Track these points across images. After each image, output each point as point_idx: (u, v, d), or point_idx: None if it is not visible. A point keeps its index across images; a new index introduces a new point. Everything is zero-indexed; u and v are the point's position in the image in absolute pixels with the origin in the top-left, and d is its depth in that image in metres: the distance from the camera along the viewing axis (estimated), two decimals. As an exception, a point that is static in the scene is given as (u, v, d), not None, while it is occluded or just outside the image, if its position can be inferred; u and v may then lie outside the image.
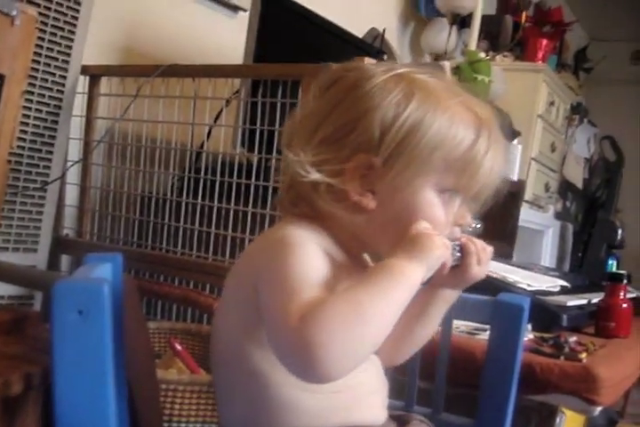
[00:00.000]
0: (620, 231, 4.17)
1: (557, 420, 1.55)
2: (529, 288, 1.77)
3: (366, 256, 0.96)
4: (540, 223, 3.67)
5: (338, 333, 0.70)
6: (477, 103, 0.90)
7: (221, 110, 1.85)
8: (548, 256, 3.76)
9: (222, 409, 0.92)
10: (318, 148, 0.86)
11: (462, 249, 0.89)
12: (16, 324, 1.19)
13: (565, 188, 4.13)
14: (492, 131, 0.89)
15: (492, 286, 1.59)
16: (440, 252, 0.82)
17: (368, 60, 1.42)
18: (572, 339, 1.52)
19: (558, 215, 4.03)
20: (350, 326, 0.71)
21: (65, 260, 1.94)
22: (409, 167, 0.84)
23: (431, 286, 0.96)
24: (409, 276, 0.78)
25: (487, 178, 0.89)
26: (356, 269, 0.88)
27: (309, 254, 0.80)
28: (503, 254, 2.63)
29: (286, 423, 0.85)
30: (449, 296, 0.98)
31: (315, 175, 0.85)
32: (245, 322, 0.85)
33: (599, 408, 1.35)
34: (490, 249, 0.93)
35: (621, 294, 1.76)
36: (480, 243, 0.91)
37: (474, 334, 1.53)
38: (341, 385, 0.81)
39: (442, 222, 0.87)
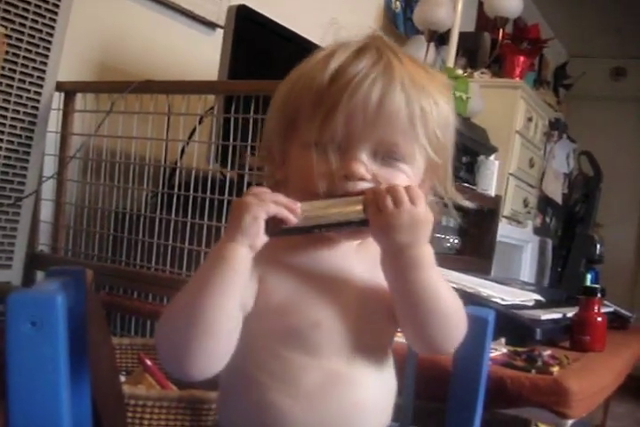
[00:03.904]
0: (598, 246, 4.19)
1: (531, 434, 1.55)
2: (503, 302, 1.77)
3: None
4: (519, 238, 3.69)
5: (165, 332, 0.77)
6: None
7: (195, 127, 1.85)
8: (527, 271, 3.77)
9: (221, 407, 0.91)
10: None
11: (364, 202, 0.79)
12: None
13: (545, 203, 4.15)
14: (355, 57, 0.83)
15: (465, 300, 1.60)
16: (247, 213, 0.75)
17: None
18: (547, 353, 1.52)
19: (537, 230, 4.05)
20: (169, 323, 0.76)
21: (40, 276, 1.93)
22: (278, 124, 0.85)
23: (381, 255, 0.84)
24: (225, 256, 0.75)
25: (357, 115, 0.79)
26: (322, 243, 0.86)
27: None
28: (481, 270, 2.64)
29: None
30: (397, 258, 0.81)
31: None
32: None
33: (570, 421, 1.35)
34: (400, 188, 0.78)
35: (596, 307, 1.76)
36: (384, 188, 0.79)
37: (447, 348, 1.53)
38: (330, 400, 0.82)
39: (312, 177, 0.80)
